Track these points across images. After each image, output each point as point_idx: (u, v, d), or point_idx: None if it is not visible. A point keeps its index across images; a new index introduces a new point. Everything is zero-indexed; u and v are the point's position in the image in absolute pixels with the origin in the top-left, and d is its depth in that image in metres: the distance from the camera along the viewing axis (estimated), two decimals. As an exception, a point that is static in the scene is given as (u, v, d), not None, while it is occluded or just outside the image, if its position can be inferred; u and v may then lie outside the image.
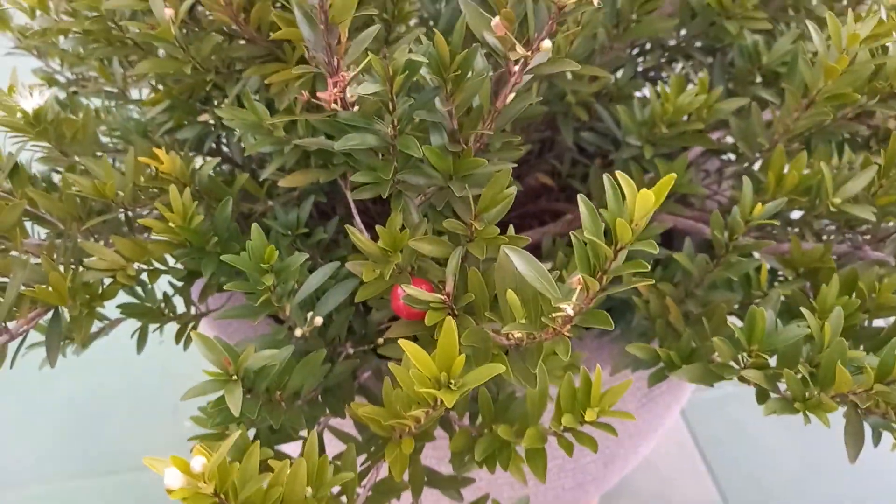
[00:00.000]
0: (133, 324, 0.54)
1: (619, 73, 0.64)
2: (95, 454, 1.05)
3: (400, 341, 0.30)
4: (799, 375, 0.35)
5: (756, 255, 0.52)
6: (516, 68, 0.33)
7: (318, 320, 0.43)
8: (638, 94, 0.64)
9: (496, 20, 0.31)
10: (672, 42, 0.62)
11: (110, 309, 0.52)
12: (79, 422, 1.10)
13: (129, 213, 0.49)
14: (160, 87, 0.57)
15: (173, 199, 0.43)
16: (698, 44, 0.62)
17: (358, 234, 0.37)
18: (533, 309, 0.33)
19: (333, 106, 0.36)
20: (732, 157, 0.65)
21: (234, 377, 0.36)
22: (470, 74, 0.36)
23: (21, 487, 1.01)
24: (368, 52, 0.33)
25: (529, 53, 0.33)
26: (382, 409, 0.35)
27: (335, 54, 0.34)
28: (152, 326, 0.55)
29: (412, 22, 0.63)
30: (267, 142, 0.46)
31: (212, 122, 0.56)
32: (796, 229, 0.53)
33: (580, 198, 0.30)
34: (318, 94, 0.33)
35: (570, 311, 0.31)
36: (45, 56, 0.71)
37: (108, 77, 0.65)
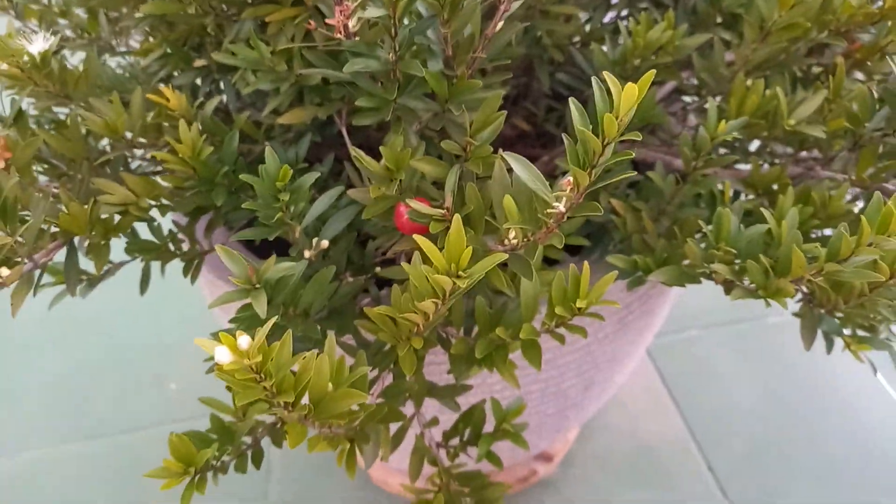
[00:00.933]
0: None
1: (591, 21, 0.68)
2: (84, 420, 1.07)
3: (415, 236, 0.34)
4: (762, 267, 0.40)
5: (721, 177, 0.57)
6: None
7: (325, 243, 0.47)
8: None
9: None
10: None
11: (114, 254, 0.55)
12: (67, 391, 1.12)
13: (136, 152, 0.52)
14: (150, 38, 0.59)
15: (182, 132, 0.46)
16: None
17: (363, 155, 0.40)
18: (528, 211, 0.38)
19: (337, 35, 0.39)
20: (696, 98, 0.69)
21: (258, 286, 0.39)
22: (463, 3, 0.39)
23: (14, 454, 1.03)
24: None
25: None
26: (394, 309, 0.39)
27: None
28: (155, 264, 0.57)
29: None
30: (268, 78, 0.49)
31: (206, 67, 0.58)
32: (757, 154, 0.58)
33: (570, 100, 0.33)
34: (326, 21, 0.36)
35: (563, 208, 0.35)
36: (23, 17, 0.72)
37: (96, 30, 0.66)
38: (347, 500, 0.94)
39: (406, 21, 0.39)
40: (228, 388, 0.30)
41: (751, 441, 1.04)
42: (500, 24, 0.40)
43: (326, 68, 0.44)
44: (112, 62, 0.69)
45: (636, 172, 0.55)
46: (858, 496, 0.97)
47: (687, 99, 0.73)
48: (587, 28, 0.68)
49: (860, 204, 0.58)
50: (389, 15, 0.36)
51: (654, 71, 0.31)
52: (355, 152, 0.40)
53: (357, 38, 0.39)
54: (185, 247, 0.57)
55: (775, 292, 0.39)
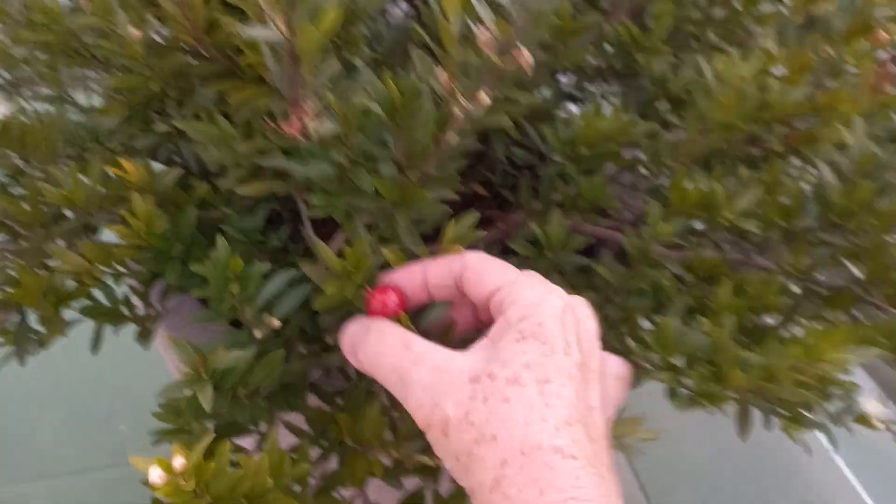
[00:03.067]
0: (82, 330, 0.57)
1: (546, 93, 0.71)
2: (28, 460, 1.05)
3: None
4: (701, 377, 0.42)
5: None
6: (458, 114, 0.39)
7: (276, 323, 0.48)
8: (563, 113, 0.71)
9: (440, 71, 0.36)
10: (592, 64, 0.69)
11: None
12: (10, 427, 1.09)
13: (92, 221, 0.52)
14: (117, 98, 0.59)
15: (137, 206, 0.46)
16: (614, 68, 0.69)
17: (326, 249, 0.41)
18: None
19: (294, 135, 0.40)
20: (645, 172, 0.72)
21: (205, 377, 0.40)
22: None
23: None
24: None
25: (471, 105, 0.38)
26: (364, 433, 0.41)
27: (298, 88, 0.38)
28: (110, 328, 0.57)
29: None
30: (229, 155, 0.49)
31: (168, 131, 0.59)
32: (698, 240, 0.61)
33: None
34: (284, 128, 0.37)
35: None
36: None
37: (55, 81, 0.66)
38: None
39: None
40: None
41: (697, 495, 1.06)
42: (454, 137, 0.42)
43: (284, 159, 0.45)
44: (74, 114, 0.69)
45: (584, 256, 0.58)
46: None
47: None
48: (541, 99, 0.71)
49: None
50: (343, 128, 0.37)
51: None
52: (315, 245, 0.41)
53: (315, 139, 0.40)
54: (140, 310, 0.57)
55: (715, 399, 0.41)
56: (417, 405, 0.35)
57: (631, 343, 0.44)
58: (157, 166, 0.63)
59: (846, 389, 0.41)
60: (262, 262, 0.45)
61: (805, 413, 0.51)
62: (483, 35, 0.34)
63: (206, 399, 0.39)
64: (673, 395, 0.42)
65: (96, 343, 0.58)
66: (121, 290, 0.56)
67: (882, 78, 0.62)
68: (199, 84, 0.54)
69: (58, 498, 1.00)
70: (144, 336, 0.55)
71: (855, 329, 0.47)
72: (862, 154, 0.48)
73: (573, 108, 0.76)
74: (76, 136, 0.63)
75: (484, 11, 0.34)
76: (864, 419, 0.67)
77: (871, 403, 0.68)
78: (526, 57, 0.34)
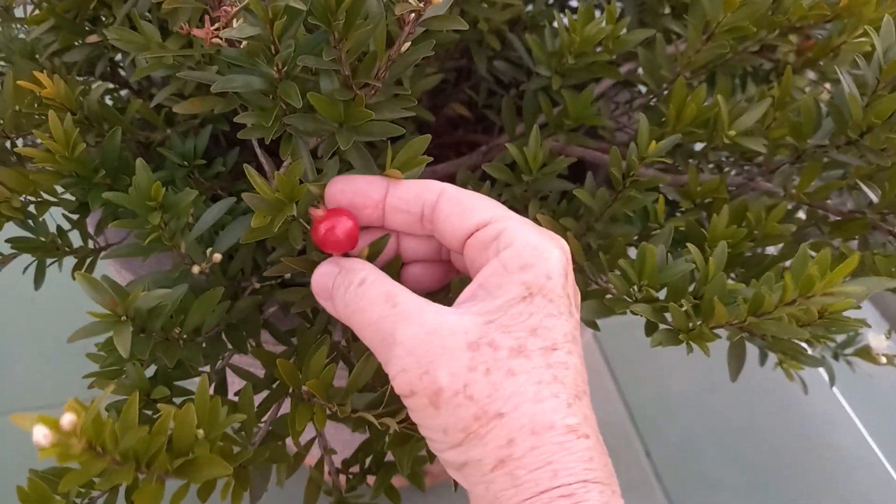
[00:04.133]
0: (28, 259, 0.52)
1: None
2: (2, 393, 1.02)
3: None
4: (683, 308, 0.37)
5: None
6: (410, 17, 0.32)
7: (217, 257, 0.42)
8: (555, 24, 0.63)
9: None
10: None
11: (2, 245, 0.50)
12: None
13: (12, 142, 0.46)
14: (43, 4, 0.53)
15: (53, 126, 0.41)
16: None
17: (255, 175, 0.35)
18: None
19: (217, 41, 0.34)
20: (643, 89, 0.65)
21: (123, 318, 0.35)
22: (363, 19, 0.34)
23: None
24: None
25: (422, 6, 0.32)
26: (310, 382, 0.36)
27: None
28: (49, 261, 0.53)
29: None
30: (158, 67, 0.43)
31: (102, 43, 0.52)
32: (697, 161, 0.55)
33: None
34: (194, 32, 0.31)
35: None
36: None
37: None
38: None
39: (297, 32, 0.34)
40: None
41: (689, 429, 1.03)
42: (406, 45, 0.35)
43: (216, 68, 0.39)
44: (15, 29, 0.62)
45: (569, 176, 0.52)
46: (795, 486, 0.97)
47: (636, 89, 0.69)
48: (531, 9, 0.64)
49: (803, 214, 0.55)
50: (267, 34, 0.31)
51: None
52: (247, 170, 0.35)
53: (243, 45, 0.34)
54: (77, 242, 0.52)
55: (697, 336, 0.36)
56: (401, 369, 0.31)
57: (612, 279, 0.39)
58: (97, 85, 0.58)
59: (849, 328, 0.36)
60: (196, 189, 0.40)
61: (803, 349, 0.46)
62: None
63: (124, 343, 0.34)
64: (651, 330, 0.37)
65: (38, 278, 0.54)
66: (56, 218, 0.51)
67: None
68: (127, -15, 0.47)
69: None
70: (80, 270, 0.50)
71: (860, 258, 0.41)
72: (889, 61, 0.41)
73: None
74: (8, 51, 0.57)
75: None
76: (866, 354, 0.62)
77: (875, 337, 0.63)
78: None
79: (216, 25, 0.32)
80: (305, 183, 0.36)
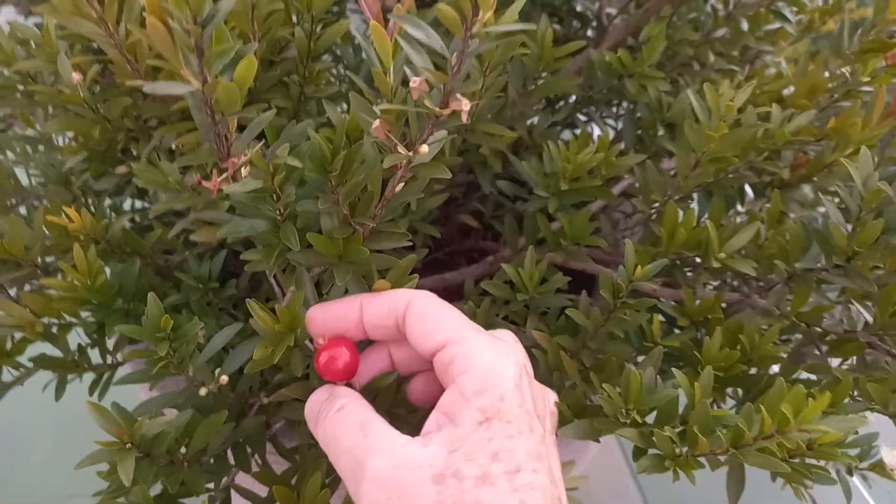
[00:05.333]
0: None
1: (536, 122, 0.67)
2: (15, 486, 1.03)
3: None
4: (668, 435, 0.38)
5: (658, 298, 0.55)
6: (402, 164, 0.35)
7: (224, 379, 0.44)
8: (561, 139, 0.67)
9: (377, 123, 0.33)
10: (582, 93, 0.65)
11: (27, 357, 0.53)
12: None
13: (39, 268, 0.50)
14: (77, 139, 0.57)
15: (77, 257, 0.44)
16: (606, 96, 0.64)
17: (258, 309, 0.38)
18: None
19: (223, 188, 0.37)
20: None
21: (129, 445, 0.37)
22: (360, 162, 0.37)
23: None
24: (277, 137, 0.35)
25: (411, 154, 0.34)
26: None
27: (224, 143, 0.35)
28: (70, 376, 0.55)
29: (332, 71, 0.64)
30: (176, 201, 0.47)
31: (130, 173, 0.56)
32: (695, 276, 0.56)
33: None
34: (204, 183, 0.34)
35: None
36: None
37: (29, 123, 0.65)
38: None
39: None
40: None
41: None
42: (400, 185, 0.38)
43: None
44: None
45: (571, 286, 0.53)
46: None
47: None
48: (530, 129, 0.67)
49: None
50: (269, 185, 0.34)
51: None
52: (249, 304, 0.38)
53: (234, 196, 0.37)
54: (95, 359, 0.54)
55: (684, 464, 0.37)
56: (371, 502, 0.31)
57: (601, 401, 0.40)
58: (126, 206, 0.62)
59: (840, 460, 0.36)
60: (210, 316, 0.42)
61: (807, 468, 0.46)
62: (417, 84, 0.31)
63: (126, 471, 0.36)
64: (638, 455, 0.38)
65: (59, 391, 0.56)
66: (78, 335, 0.54)
67: (897, 100, 0.57)
68: (154, 125, 0.52)
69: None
70: (96, 387, 0.52)
71: (854, 382, 0.42)
72: (868, 190, 0.43)
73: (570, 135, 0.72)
74: (45, 177, 0.61)
75: (419, 59, 0.30)
76: (881, 469, 0.61)
77: (888, 452, 0.62)
78: (464, 105, 0.30)
79: (223, 177, 0.35)
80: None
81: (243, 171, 0.37)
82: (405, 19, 0.30)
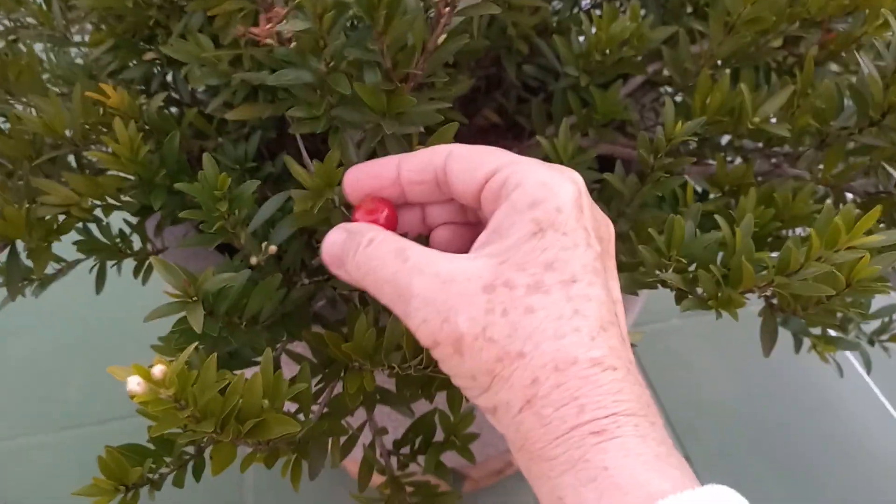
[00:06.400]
0: (84, 272, 0.56)
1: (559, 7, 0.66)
2: (58, 409, 1.06)
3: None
4: (713, 277, 0.39)
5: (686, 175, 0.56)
6: (446, 10, 0.35)
7: (273, 248, 0.45)
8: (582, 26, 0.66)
9: None
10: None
11: (67, 252, 0.54)
12: (40, 379, 1.11)
13: (80, 151, 0.50)
14: (102, 27, 0.57)
15: (119, 131, 0.44)
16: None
17: (295, 164, 0.38)
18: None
19: (269, 41, 0.37)
20: (669, 89, 0.67)
21: (195, 298, 0.38)
22: (403, 13, 0.37)
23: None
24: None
25: None
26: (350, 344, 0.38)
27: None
28: (110, 264, 0.56)
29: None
30: (212, 75, 0.47)
31: (157, 60, 0.56)
32: (724, 153, 0.57)
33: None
34: (252, 30, 0.34)
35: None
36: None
37: (49, 21, 0.64)
38: (329, 499, 0.93)
39: (343, 31, 0.37)
40: (146, 415, 0.29)
41: (726, 435, 1.03)
42: (442, 37, 0.38)
43: (272, 66, 0.42)
44: (73, 52, 0.67)
45: (600, 171, 0.54)
46: (832, 490, 0.97)
47: (662, 89, 0.71)
48: (556, 17, 0.66)
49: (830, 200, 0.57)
50: (316, 28, 0.34)
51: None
52: (287, 160, 0.39)
53: (293, 44, 0.37)
54: (137, 246, 0.55)
55: (726, 303, 0.38)
56: (421, 320, 0.30)
57: (643, 252, 0.41)
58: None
59: (876, 289, 0.37)
60: (253, 181, 0.43)
61: (836, 322, 0.47)
62: None
63: (197, 320, 0.37)
64: (681, 298, 0.39)
65: (99, 280, 0.57)
66: (117, 224, 0.55)
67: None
68: (182, 4, 0.51)
69: (88, 445, 1.01)
70: (141, 271, 0.53)
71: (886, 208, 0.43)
72: (904, 42, 0.43)
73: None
74: (69, 74, 0.61)
75: None
76: (899, 338, 0.63)
77: (912, 322, 0.64)
78: None
79: (271, 24, 0.35)
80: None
81: (286, 22, 0.37)
82: None
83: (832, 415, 1.06)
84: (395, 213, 0.37)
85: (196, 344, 0.40)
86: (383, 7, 0.35)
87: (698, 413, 1.06)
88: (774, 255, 0.38)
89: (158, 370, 0.28)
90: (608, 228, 0.34)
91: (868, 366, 0.66)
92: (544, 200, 0.30)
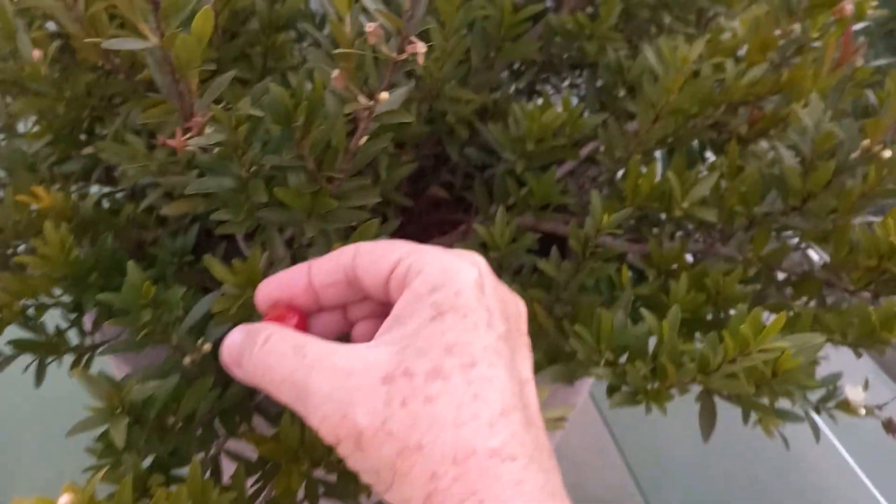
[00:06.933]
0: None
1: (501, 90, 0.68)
2: (5, 481, 1.02)
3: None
4: (641, 371, 0.39)
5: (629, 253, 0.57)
6: (364, 115, 0.36)
7: (207, 347, 0.45)
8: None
9: (336, 73, 0.34)
10: (544, 59, 0.66)
11: (4, 343, 0.53)
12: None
13: (12, 250, 0.50)
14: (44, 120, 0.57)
15: (48, 233, 0.44)
16: (568, 61, 0.66)
17: (216, 264, 0.38)
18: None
19: (190, 148, 0.37)
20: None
21: (119, 409, 0.37)
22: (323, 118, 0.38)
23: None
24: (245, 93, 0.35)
25: (372, 103, 0.35)
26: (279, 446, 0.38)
27: (186, 101, 0.36)
28: (49, 359, 0.55)
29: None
30: (144, 174, 0.47)
31: (97, 153, 0.56)
32: (660, 230, 0.58)
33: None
34: (168, 142, 0.34)
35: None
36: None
37: (-10, 110, 0.64)
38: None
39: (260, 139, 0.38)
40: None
41: (693, 492, 1.03)
42: (364, 139, 0.39)
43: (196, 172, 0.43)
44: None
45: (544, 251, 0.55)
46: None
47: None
48: (496, 94, 0.68)
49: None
50: (233, 139, 0.34)
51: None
52: (207, 260, 0.39)
53: (216, 150, 0.37)
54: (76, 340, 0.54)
55: (655, 397, 0.38)
56: (322, 418, 0.29)
57: (574, 345, 0.41)
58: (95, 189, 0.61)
59: (800, 385, 0.38)
60: (180, 287, 0.43)
61: (771, 405, 0.48)
62: (373, 29, 0.31)
63: (119, 434, 0.36)
64: (611, 392, 0.39)
65: (38, 376, 0.56)
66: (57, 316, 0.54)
67: (846, 51, 0.59)
68: (119, 102, 0.52)
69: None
70: (78, 366, 0.52)
71: (815, 316, 0.44)
72: (819, 134, 0.45)
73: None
74: (11, 163, 0.61)
75: (373, 4, 0.31)
76: (847, 406, 0.64)
77: (852, 390, 0.65)
78: (419, 48, 0.31)
79: (188, 135, 0.36)
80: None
81: (207, 130, 0.37)
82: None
83: (797, 471, 1.06)
84: (304, 318, 0.36)
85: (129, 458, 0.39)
86: (301, 113, 0.36)
87: (664, 470, 1.06)
88: (699, 350, 0.39)
89: (64, 502, 0.27)
90: (517, 307, 0.33)
91: (816, 434, 0.67)
92: (444, 285, 0.30)
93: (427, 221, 0.86)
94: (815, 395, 0.69)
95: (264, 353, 0.32)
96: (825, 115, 0.45)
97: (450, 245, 0.70)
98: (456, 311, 0.29)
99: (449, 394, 0.28)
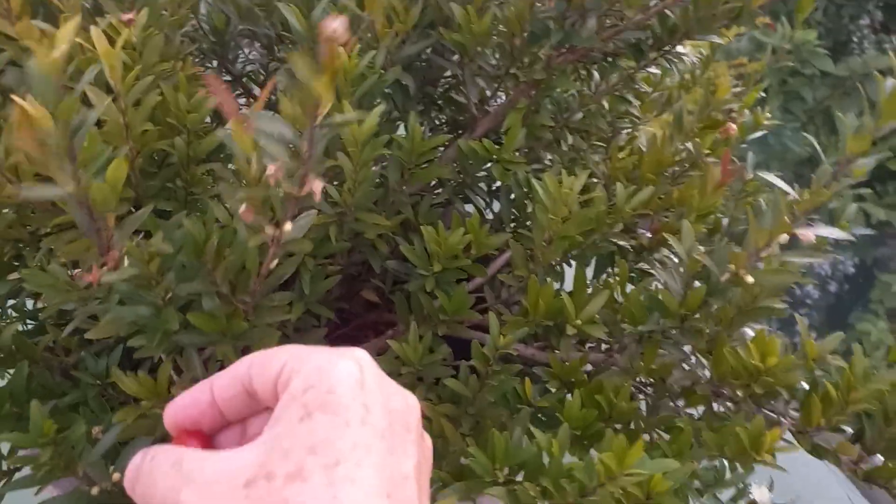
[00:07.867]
0: None
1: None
2: None
3: None
4: (531, 491, 0.42)
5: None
6: (272, 242, 0.39)
7: (117, 476, 0.46)
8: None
9: (243, 208, 0.37)
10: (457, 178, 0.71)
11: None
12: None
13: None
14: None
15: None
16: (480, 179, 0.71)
17: (123, 378, 0.41)
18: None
19: (107, 280, 0.40)
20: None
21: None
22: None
23: None
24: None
25: (278, 233, 0.39)
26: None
27: (104, 237, 0.39)
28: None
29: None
30: (66, 300, 0.49)
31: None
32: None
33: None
34: (84, 277, 0.37)
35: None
36: None
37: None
38: None
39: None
40: None
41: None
42: (275, 262, 0.42)
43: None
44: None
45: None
46: None
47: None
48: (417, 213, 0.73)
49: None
50: (146, 272, 0.37)
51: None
52: (115, 374, 0.41)
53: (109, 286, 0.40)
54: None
55: (545, 517, 0.41)
56: None
57: (470, 464, 0.44)
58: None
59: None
60: (109, 412, 0.44)
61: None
62: (274, 171, 0.35)
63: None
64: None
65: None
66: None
67: (726, 172, 0.65)
68: (45, 233, 0.54)
69: None
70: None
71: (692, 432, 0.47)
72: (689, 259, 0.50)
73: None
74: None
75: (275, 148, 0.35)
76: (752, 507, 0.67)
77: (758, 490, 0.68)
78: (316, 187, 0.35)
79: (102, 270, 0.38)
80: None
81: (125, 262, 0.40)
82: (260, 116, 0.35)
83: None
84: (207, 438, 0.36)
85: None
86: (212, 244, 0.39)
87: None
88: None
89: None
90: (404, 401, 0.33)
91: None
92: (316, 384, 0.30)
93: (361, 323, 0.89)
94: (725, 496, 0.72)
95: (148, 472, 0.32)
96: (694, 244, 0.50)
97: (378, 348, 0.73)
98: (325, 408, 0.29)
99: (306, 496, 0.27)
